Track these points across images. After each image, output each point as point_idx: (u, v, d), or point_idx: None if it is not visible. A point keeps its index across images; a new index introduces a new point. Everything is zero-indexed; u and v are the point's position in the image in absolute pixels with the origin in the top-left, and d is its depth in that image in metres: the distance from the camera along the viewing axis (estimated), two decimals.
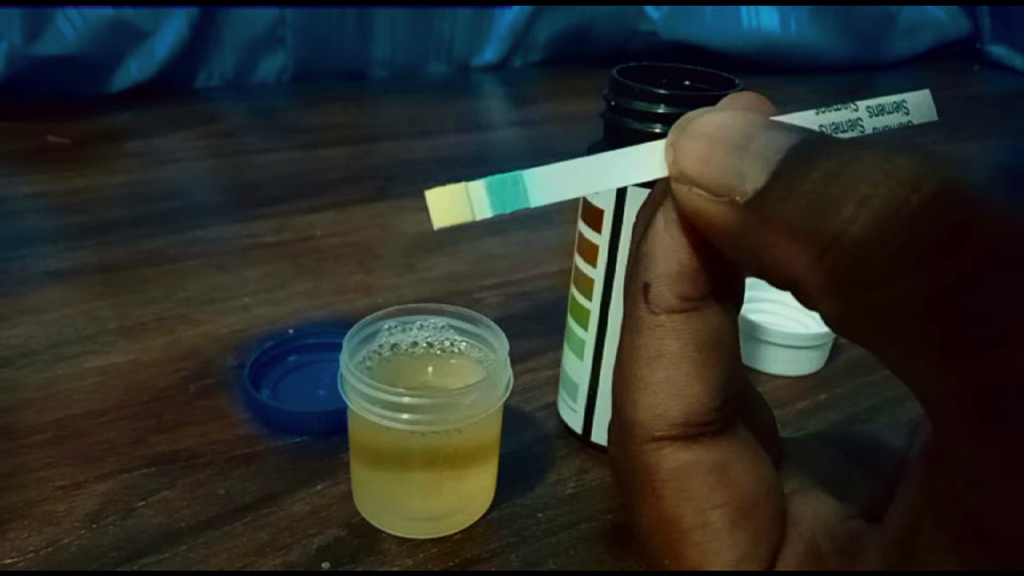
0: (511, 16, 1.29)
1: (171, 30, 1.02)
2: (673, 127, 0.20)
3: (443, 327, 0.41)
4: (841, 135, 0.22)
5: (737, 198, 0.19)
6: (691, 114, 0.21)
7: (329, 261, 0.66)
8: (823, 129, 0.22)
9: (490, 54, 1.31)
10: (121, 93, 1.02)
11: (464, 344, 0.41)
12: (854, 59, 1.46)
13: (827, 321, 0.18)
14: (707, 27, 1.36)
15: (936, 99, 0.22)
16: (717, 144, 0.20)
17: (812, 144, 0.18)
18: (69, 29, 0.95)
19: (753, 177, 0.18)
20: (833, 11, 1.42)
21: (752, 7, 1.38)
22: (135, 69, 1.02)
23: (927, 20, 1.56)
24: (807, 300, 0.18)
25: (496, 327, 0.40)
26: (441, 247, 0.69)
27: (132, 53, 1.01)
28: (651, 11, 1.35)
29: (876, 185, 0.16)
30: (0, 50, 0.90)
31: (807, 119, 0.22)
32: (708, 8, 1.36)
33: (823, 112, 0.22)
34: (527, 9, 1.29)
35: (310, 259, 0.66)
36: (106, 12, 0.96)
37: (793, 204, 0.18)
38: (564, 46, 1.35)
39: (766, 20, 1.39)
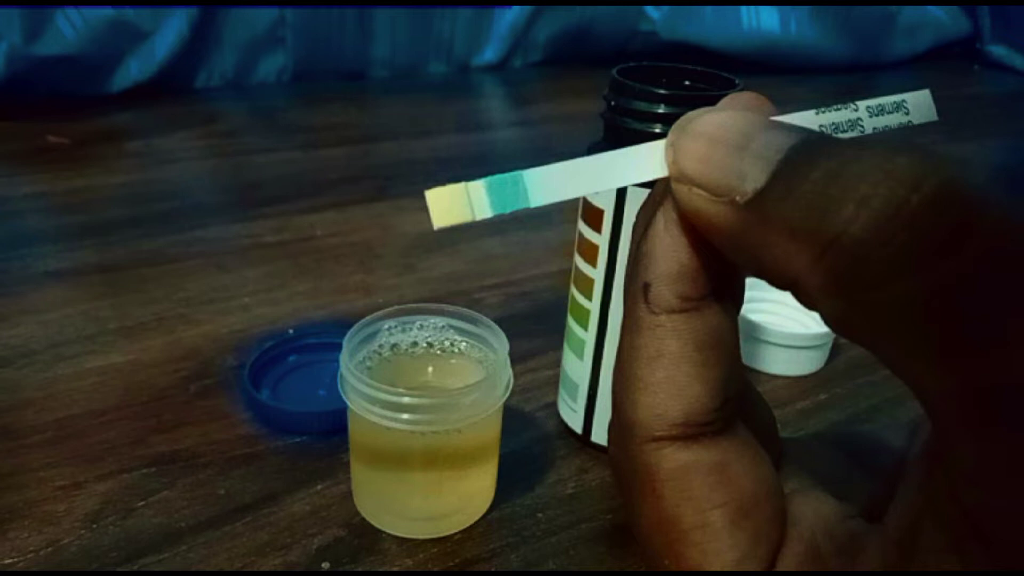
0: (511, 16, 1.29)
1: (171, 30, 1.02)
2: (673, 127, 0.20)
3: (443, 327, 0.41)
4: (841, 135, 0.21)
5: (737, 198, 0.19)
6: (691, 114, 0.20)
7: (329, 261, 0.66)
8: (823, 129, 0.21)
9: (490, 54, 1.31)
10: (121, 93, 1.02)
11: (464, 344, 0.41)
12: (854, 59, 1.46)
13: (827, 321, 0.18)
14: (707, 27, 1.36)
15: (936, 99, 0.22)
16: (717, 144, 0.19)
17: (812, 144, 0.18)
18: (69, 29, 0.95)
19: (753, 177, 0.18)
20: (833, 11, 1.42)
21: (752, 7, 1.37)
22: (135, 69, 1.02)
23: (927, 20, 1.56)
24: (807, 300, 0.18)
25: (496, 327, 0.40)
26: (441, 247, 0.69)
27: (132, 53, 1.01)
28: (651, 11, 1.35)
29: (876, 185, 0.16)
30: (0, 50, 0.90)
31: (807, 119, 0.21)
32: (708, 8, 1.36)
33: (823, 112, 0.22)
34: (527, 9, 1.28)
35: (310, 259, 0.66)
36: (106, 12, 0.96)
37: (793, 204, 0.18)
38: (564, 46, 1.35)
39: (766, 20, 1.38)
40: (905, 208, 0.16)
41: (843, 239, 0.17)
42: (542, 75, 1.34)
